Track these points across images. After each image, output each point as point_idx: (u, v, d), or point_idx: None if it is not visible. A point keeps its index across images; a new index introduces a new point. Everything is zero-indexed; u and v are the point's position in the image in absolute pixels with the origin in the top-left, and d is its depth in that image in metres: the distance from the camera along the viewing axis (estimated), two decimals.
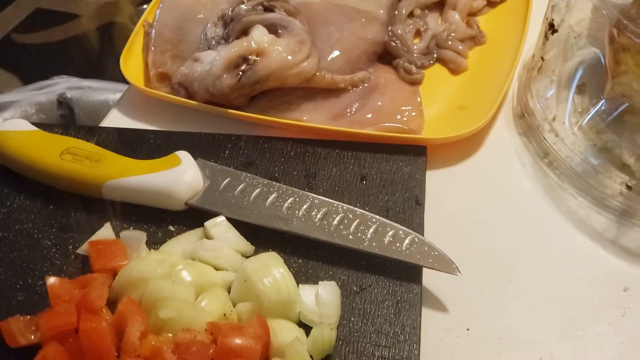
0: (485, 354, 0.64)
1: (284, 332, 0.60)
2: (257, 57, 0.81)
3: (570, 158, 0.78)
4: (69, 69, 1.50)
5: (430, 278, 0.67)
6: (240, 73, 0.81)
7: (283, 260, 0.65)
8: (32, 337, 0.62)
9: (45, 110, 1.31)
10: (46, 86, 1.35)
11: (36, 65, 2.48)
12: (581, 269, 0.70)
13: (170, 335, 0.60)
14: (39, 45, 2.63)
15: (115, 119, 0.87)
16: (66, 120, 1.34)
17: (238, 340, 0.58)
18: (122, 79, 0.89)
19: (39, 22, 2.74)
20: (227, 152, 0.80)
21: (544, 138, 0.80)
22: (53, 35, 2.66)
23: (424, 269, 0.67)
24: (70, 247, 0.71)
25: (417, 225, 0.71)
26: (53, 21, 2.72)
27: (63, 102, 1.32)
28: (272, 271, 0.63)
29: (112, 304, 0.63)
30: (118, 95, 1.03)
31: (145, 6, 2.80)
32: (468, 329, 0.65)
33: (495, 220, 0.75)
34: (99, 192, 0.73)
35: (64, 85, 1.35)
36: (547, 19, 0.83)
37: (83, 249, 0.70)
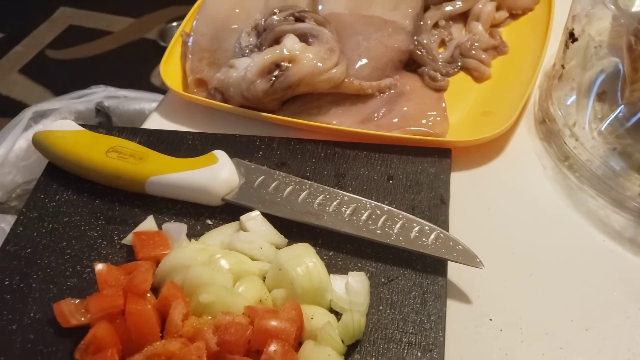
0: (508, 342, 0.67)
1: (316, 317, 0.64)
2: (289, 63, 0.85)
3: (590, 161, 0.81)
4: (101, 83, 1.55)
5: (455, 272, 0.71)
6: (273, 78, 0.85)
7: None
8: (82, 318, 0.66)
9: (84, 118, 1.37)
10: (84, 95, 1.40)
11: (69, 80, 2.55)
12: (600, 265, 0.73)
13: (210, 317, 0.64)
14: (71, 60, 2.70)
15: (155, 122, 0.92)
16: (104, 127, 1.39)
17: (274, 323, 0.61)
18: (154, 90, 0.93)
19: (72, 38, 2.81)
20: (260, 152, 0.84)
21: (565, 142, 0.83)
22: (86, 51, 2.74)
23: (449, 263, 0.70)
24: (116, 238, 0.75)
25: (442, 222, 0.75)
26: (86, 38, 2.80)
27: (101, 110, 1.37)
28: (305, 260, 0.66)
29: (155, 290, 0.68)
30: (153, 105, 1.08)
31: (174, 23, 2.85)
32: (491, 319, 0.68)
33: (517, 219, 0.78)
34: (142, 188, 0.77)
35: (101, 94, 1.40)
36: (567, 28, 0.87)
37: (128, 239, 0.74)
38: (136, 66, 2.59)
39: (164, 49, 0.97)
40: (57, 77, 2.62)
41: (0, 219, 1.12)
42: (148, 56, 2.65)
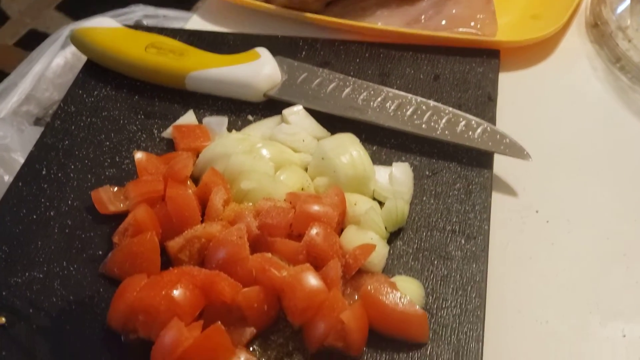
0: (554, 232, 0.65)
1: (359, 203, 0.62)
2: None
3: None
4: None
5: (501, 166, 0.69)
6: None
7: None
8: (121, 205, 0.66)
9: None
10: (123, 14, 1.38)
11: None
12: None
13: (251, 204, 0.63)
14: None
15: (195, 24, 0.90)
16: (142, 29, 1.37)
17: (316, 207, 0.60)
18: None
19: None
20: (303, 53, 0.82)
21: (617, 44, 0.80)
22: None
23: (495, 157, 0.68)
24: (155, 132, 0.74)
25: (489, 119, 0.72)
26: None
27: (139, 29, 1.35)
28: (349, 149, 0.65)
29: (195, 181, 0.67)
30: None
31: None
32: (537, 211, 0.67)
33: (566, 117, 0.75)
34: (182, 84, 0.76)
35: (140, 13, 1.38)
36: None
37: (168, 132, 0.73)
38: (176, 4, 2.57)
39: None
40: (94, 14, 2.60)
41: (37, 132, 1.11)
42: None
